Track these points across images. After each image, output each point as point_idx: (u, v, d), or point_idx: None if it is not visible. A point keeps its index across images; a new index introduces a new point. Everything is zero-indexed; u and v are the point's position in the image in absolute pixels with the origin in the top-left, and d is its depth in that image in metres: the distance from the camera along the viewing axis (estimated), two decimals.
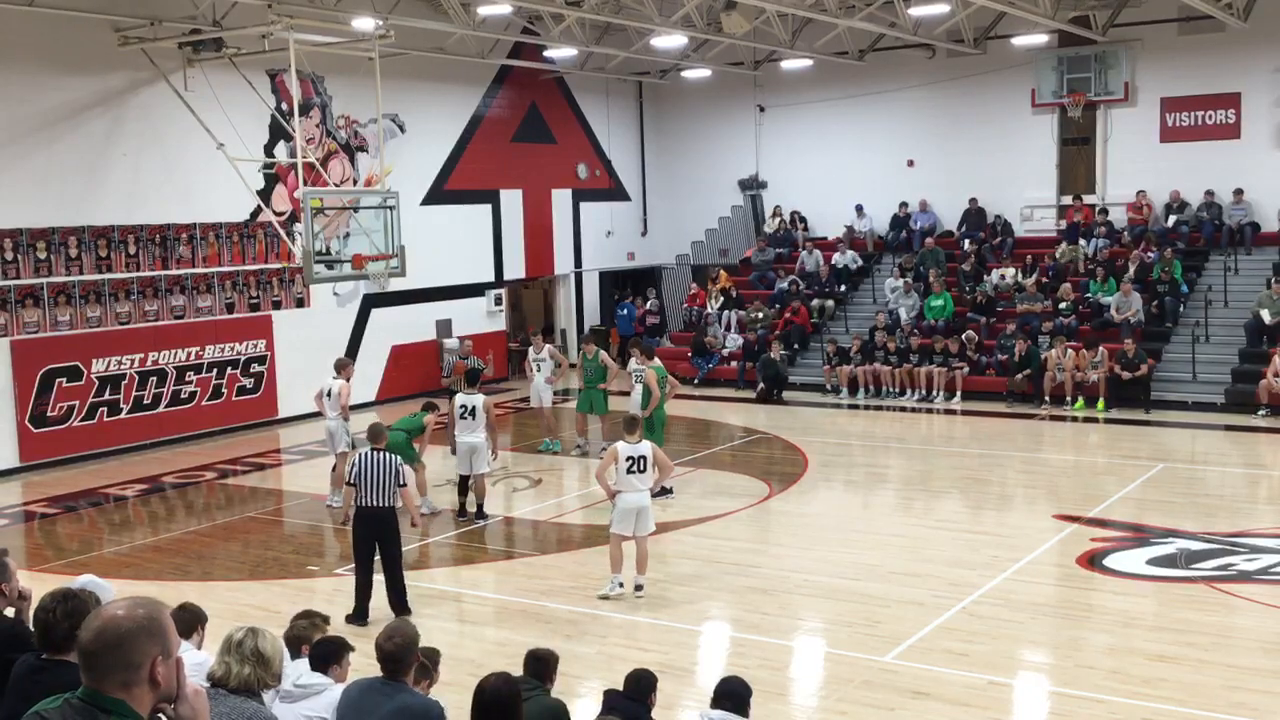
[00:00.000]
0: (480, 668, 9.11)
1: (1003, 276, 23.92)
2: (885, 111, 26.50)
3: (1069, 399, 20.61)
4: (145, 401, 19.21)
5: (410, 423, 14.64)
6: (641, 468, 10.99)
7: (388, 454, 10.68)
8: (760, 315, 24.72)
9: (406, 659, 5.54)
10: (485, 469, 14.31)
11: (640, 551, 11.18)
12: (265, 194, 20.88)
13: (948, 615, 10.46)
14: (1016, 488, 16.03)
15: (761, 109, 28.16)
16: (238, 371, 20.59)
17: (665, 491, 14.90)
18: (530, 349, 19.52)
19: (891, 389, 22.36)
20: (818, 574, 11.85)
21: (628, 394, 16.73)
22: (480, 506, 14.32)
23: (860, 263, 26.05)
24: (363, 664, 6.91)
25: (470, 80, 24.91)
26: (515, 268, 26.63)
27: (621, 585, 11.12)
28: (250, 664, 4.95)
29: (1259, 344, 20.56)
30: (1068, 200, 24.97)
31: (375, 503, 10.48)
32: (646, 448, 11.11)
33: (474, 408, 14.13)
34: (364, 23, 18.52)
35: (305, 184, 17.70)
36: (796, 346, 24.25)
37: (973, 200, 25.65)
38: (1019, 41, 23.83)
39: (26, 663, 4.55)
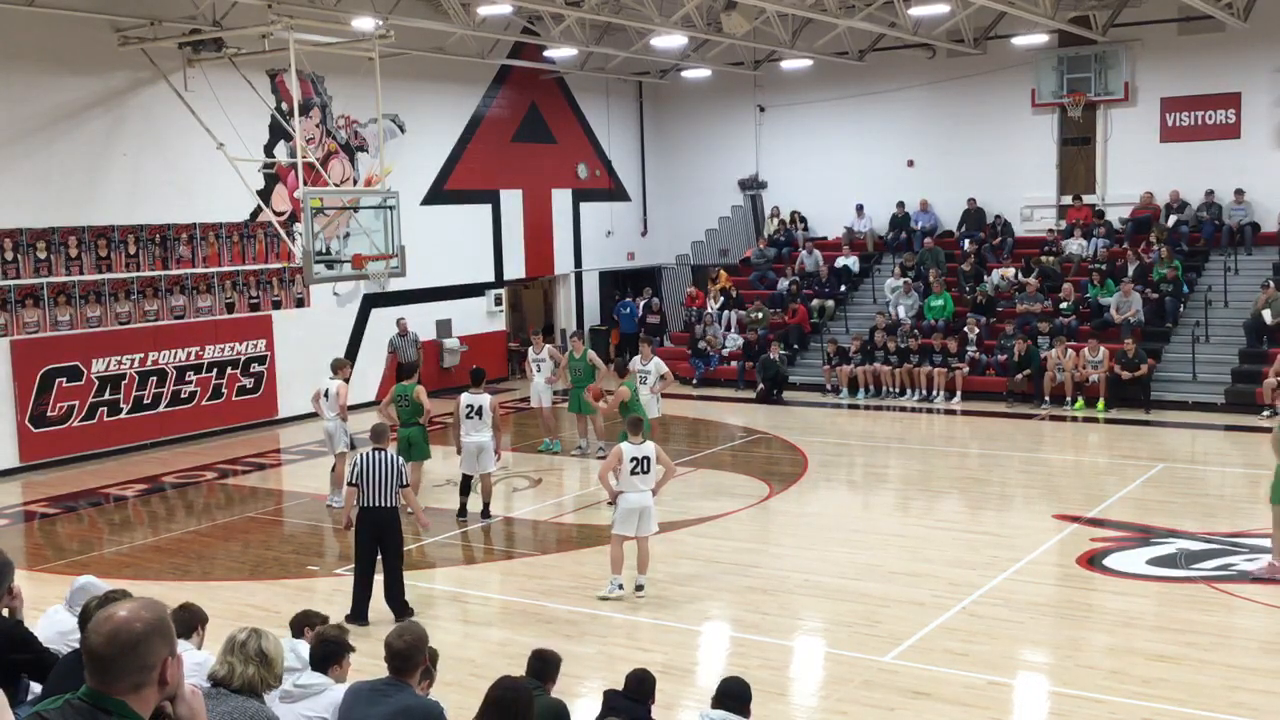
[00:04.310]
0: (481, 668, 9.13)
1: (1003, 277, 23.93)
2: (885, 111, 26.51)
3: (1069, 399, 20.62)
4: (145, 401, 19.21)
5: (410, 412, 14.50)
6: (645, 468, 10.99)
7: (390, 454, 10.67)
8: (760, 315, 24.72)
9: (415, 658, 5.55)
10: (491, 468, 14.33)
11: (642, 552, 11.19)
12: (265, 194, 20.89)
13: (948, 615, 10.46)
14: (1016, 488, 16.02)
15: (761, 109, 28.16)
16: (238, 371, 20.59)
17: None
18: (530, 349, 19.53)
19: (891, 389, 22.37)
20: (818, 574, 11.86)
21: None
22: (486, 505, 14.34)
23: (859, 267, 26.03)
24: (363, 664, 6.91)
25: (470, 80, 24.91)
26: (515, 268, 26.63)
27: (621, 587, 11.11)
28: (254, 664, 4.95)
29: (1259, 344, 20.57)
30: (1068, 200, 24.98)
31: (378, 503, 10.47)
32: (650, 448, 11.11)
33: (480, 407, 14.13)
34: (364, 23, 18.52)
35: (305, 184, 17.68)
36: (796, 346, 24.26)
37: (971, 200, 25.66)
38: (1019, 41, 23.83)
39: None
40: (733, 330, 25.24)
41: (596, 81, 27.81)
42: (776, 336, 23.88)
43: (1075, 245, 23.93)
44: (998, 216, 25.50)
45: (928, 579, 11.48)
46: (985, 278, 24.11)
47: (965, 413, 21.06)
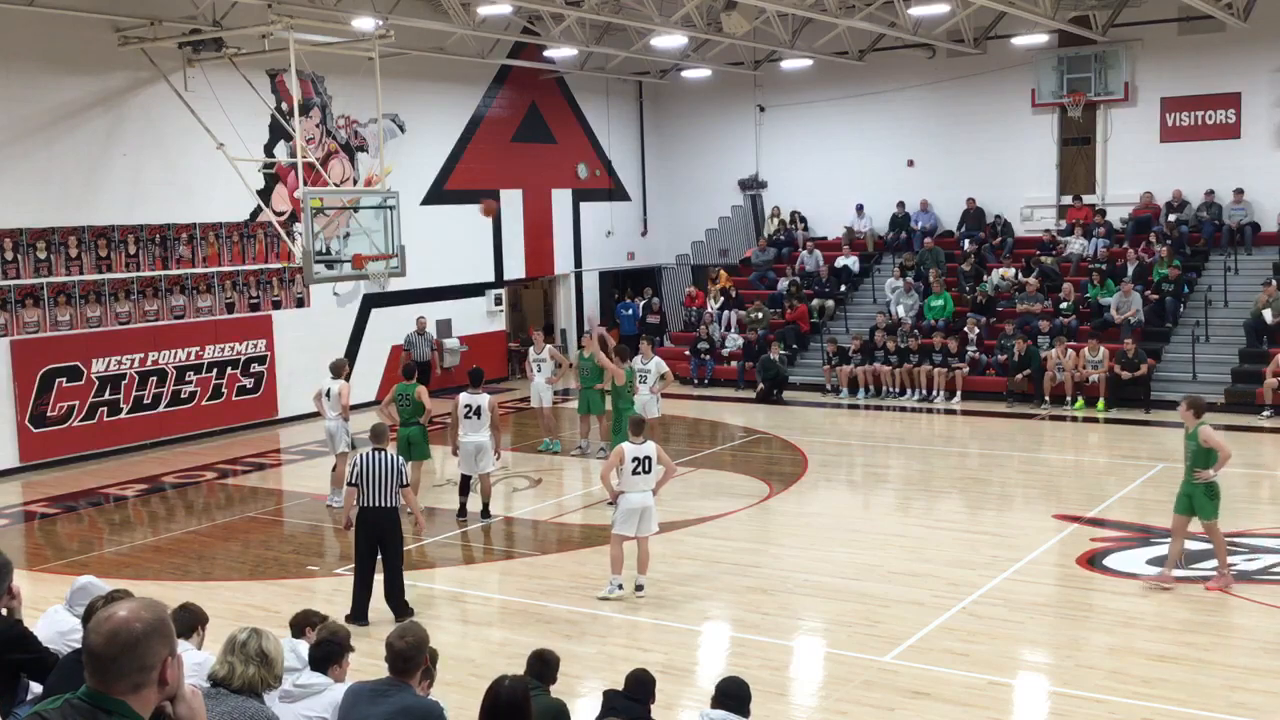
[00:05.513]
0: (481, 668, 9.13)
1: (1003, 277, 23.93)
2: (885, 111, 26.50)
3: (1069, 399, 20.62)
4: (145, 401, 19.21)
5: (411, 412, 14.55)
6: (646, 468, 11.00)
7: (390, 454, 10.68)
8: (760, 315, 24.71)
9: (416, 659, 5.55)
10: (490, 468, 14.33)
11: (642, 552, 11.19)
12: (265, 194, 20.89)
13: (948, 615, 10.46)
14: (1016, 488, 16.03)
15: (761, 109, 28.16)
16: (238, 371, 20.58)
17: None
18: (530, 349, 19.54)
19: (891, 389, 22.37)
20: (818, 574, 11.86)
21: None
22: (486, 506, 14.35)
23: (859, 267, 26.03)
24: (363, 664, 6.92)
25: (470, 80, 24.91)
26: (515, 268, 26.63)
27: (621, 587, 11.12)
28: (255, 664, 4.95)
29: (1259, 344, 20.57)
30: (1068, 200, 24.98)
31: (378, 503, 10.47)
32: (651, 448, 11.12)
33: (479, 407, 14.13)
34: (364, 23, 18.53)
35: (305, 184, 17.68)
36: (795, 346, 24.26)
37: (971, 200, 25.66)
38: (1019, 41, 23.84)
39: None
40: (733, 330, 25.24)
41: (596, 81, 27.81)
42: (776, 336, 23.88)
43: (1075, 245, 23.93)
44: (998, 216, 25.50)
45: (928, 579, 11.48)
46: (985, 278, 24.11)
47: (965, 413, 21.06)
